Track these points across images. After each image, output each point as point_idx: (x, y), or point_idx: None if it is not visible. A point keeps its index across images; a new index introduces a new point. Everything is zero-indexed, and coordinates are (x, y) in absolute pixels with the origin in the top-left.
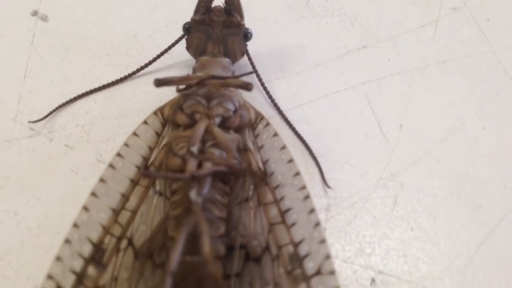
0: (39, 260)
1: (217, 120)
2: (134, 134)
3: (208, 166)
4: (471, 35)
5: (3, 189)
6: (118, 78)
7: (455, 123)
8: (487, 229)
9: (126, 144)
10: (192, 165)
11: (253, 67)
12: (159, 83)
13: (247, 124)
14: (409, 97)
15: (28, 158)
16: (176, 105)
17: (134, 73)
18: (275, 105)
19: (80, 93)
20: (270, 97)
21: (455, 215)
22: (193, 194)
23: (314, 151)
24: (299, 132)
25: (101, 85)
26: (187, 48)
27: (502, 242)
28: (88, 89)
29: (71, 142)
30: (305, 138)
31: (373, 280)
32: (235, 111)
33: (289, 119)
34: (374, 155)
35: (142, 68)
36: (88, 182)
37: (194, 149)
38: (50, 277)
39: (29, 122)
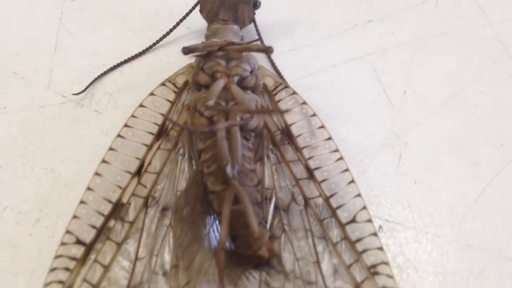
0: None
1: (236, 79)
2: (141, 105)
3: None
4: (469, 9)
5: (40, 149)
6: (141, 50)
7: (455, 89)
8: (484, 182)
9: (133, 116)
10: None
11: (259, 35)
12: (187, 50)
13: (262, 87)
14: (411, 66)
15: (61, 122)
16: (197, 67)
17: (155, 43)
18: (275, 68)
19: (108, 65)
20: (272, 64)
21: (454, 170)
22: (228, 169)
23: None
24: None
25: (127, 57)
26: (200, 11)
27: (498, 193)
28: (113, 61)
29: (100, 108)
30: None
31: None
32: (251, 72)
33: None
34: (380, 118)
35: (162, 37)
36: None
37: (211, 102)
38: (68, 232)
39: (73, 94)
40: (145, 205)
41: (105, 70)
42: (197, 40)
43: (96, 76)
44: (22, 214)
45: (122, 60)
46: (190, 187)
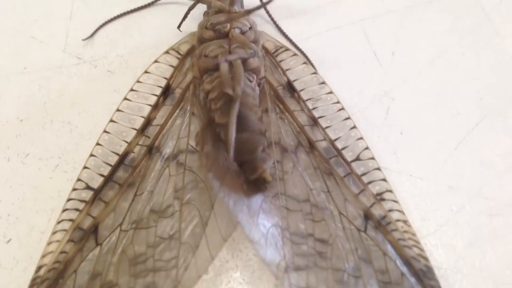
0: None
1: (237, 30)
2: (146, 72)
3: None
4: None
5: (58, 104)
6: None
7: (439, 50)
8: (464, 132)
9: (138, 81)
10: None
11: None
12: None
13: (264, 50)
14: (400, 30)
15: (77, 80)
16: (202, 25)
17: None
18: (281, 31)
19: (119, 31)
20: (276, 25)
21: (437, 121)
22: (230, 90)
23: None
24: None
25: (136, 24)
26: None
27: (476, 142)
28: (124, 27)
29: (113, 68)
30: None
31: None
32: (250, 28)
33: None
34: (370, 77)
35: None
36: None
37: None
38: (79, 180)
39: (82, 40)
40: (148, 152)
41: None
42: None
43: (105, 33)
44: (42, 160)
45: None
46: (202, 130)
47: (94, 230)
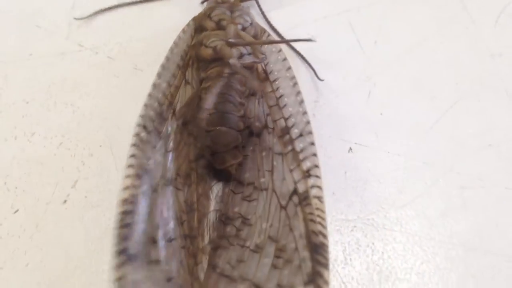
0: (92, 137)
1: (239, 27)
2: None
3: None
4: None
5: (61, 87)
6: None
7: (418, 39)
8: (440, 113)
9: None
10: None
11: None
12: None
13: (257, 35)
14: (382, 20)
15: (79, 66)
16: (204, 15)
17: None
18: (269, 23)
19: (117, 21)
20: (264, 16)
21: (415, 104)
22: (232, 60)
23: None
24: (293, 47)
25: (137, 15)
26: None
27: (451, 122)
28: (124, 17)
29: (113, 55)
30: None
31: (350, 149)
32: (251, 23)
33: (286, 36)
34: (353, 63)
35: None
36: (128, 84)
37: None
38: (141, 116)
39: (75, 18)
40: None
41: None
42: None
43: (105, 22)
44: (47, 139)
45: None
46: (190, 101)
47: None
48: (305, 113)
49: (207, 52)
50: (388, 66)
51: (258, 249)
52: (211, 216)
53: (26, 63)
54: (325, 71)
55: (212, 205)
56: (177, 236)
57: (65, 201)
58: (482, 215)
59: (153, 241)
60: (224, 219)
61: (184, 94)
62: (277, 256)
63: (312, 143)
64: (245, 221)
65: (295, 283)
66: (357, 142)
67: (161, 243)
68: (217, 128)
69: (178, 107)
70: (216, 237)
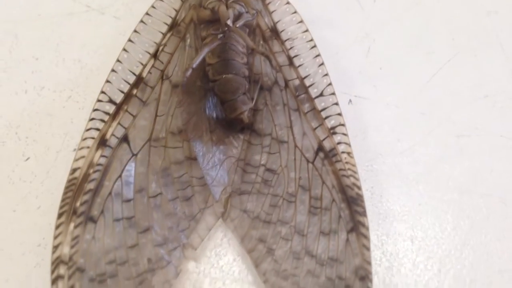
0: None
1: None
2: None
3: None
4: None
5: (69, 45)
6: None
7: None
8: (437, 67)
9: (153, 6)
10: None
11: None
12: None
13: None
14: None
15: (86, 25)
16: None
17: None
18: None
19: None
20: None
21: (413, 58)
22: (229, 21)
23: (306, 19)
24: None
25: None
26: None
27: (447, 76)
28: None
29: (119, 15)
30: (299, 11)
31: (350, 101)
32: None
33: None
34: (352, 21)
35: None
36: None
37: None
38: (103, 92)
39: None
40: (161, 77)
41: None
42: None
43: None
44: (56, 92)
45: None
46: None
47: (125, 139)
48: (326, 75)
49: (205, 13)
50: (387, 23)
51: (291, 197)
52: (227, 163)
53: (35, 23)
54: (325, 29)
55: (229, 152)
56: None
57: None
58: (477, 161)
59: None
60: (243, 166)
61: (184, 58)
62: (313, 205)
63: (336, 104)
64: (269, 170)
65: (337, 229)
66: (356, 94)
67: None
68: (223, 76)
69: (174, 71)
70: (239, 183)
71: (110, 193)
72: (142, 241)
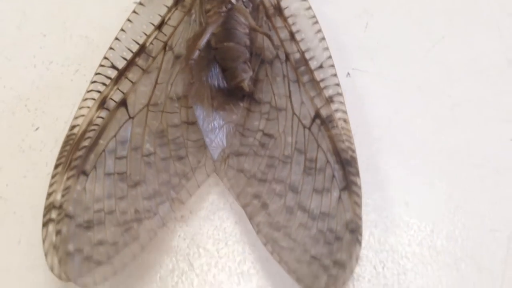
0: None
1: None
2: None
3: None
4: None
5: (76, 21)
6: None
7: None
8: (433, 42)
9: None
10: None
11: None
12: None
13: None
14: None
15: (93, 2)
16: None
17: None
18: None
19: None
20: None
21: (410, 34)
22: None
23: None
24: None
25: None
26: None
27: (443, 50)
28: None
29: None
30: None
31: (348, 74)
32: None
33: None
34: None
35: None
36: None
37: None
38: (105, 58)
39: None
40: (164, 48)
41: None
42: None
43: None
44: (64, 66)
45: None
46: (196, 37)
47: (124, 103)
48: (326, 49)
49: None
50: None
51: (287, 158)
52: (226, 128)
53: (41, 1)
54: (325, 4)
55: (229, 117)
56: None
57: None
58: (470, 132)
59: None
60: (242, 130)
61: (188, 32)
62: (308, 166)
63: (334, 75)
64: (267, 135)
65: (330, 187)
66: (354, 67)
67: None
68: (225, 44)
69: (178, 42)
70: (237, 146)
71: (103, 151)
72: (132, 193)
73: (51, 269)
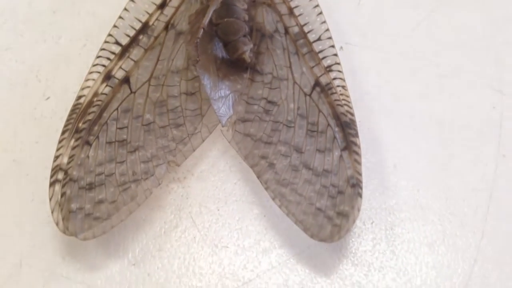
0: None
1: None
2: None
3: None
4: None
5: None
6: None
7: None
8: (421, 17)
9: None
10: None
11: None
12: None
13: None
14: None
15: None
16: None
17: None
18: None
19: None
20: None
21: (399, 9)
22: None
23: None
24: None
25: None
26: None
27: (431, 24)
28: None
29: None
30: None
31: (341, 48)
32: None
33: None
34: None
35: None
36: None
37: None
38: (110, 35)
39: None
40: (166, 27)
41: None
42: None
43: None
44: (72, 41)
45: None
46: (199, 15)
47: (126, 80)
48: (323, 22)
49: None
50: None
51: (290, 123)
52: (232, 97)
53: None
54: None
55: (234, 87)
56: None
57: None
58: (456, 98)
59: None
60: (246, 99)
61: (190, 10)
62: (310, 129)
63: (332, 46)
64: (270, 102)
65: (332, 148)
66: (347, 42)
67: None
68: (225, 19)
69: (180, 21)
70: (243, 113)
71: (106, 122)
72: (131, 158)
73: (57, 224)
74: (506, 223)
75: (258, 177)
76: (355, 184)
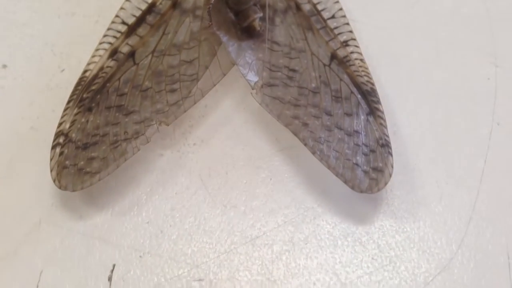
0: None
1: None
2: None
3: None
4: None
5: None
6: None
7: None
8: None
9: None
10: None
11: None
12: None
13: None
14: None
15: None
16: None
17: None
18: None
19: None
20: None
21: None
22: None
23: None
24: None
25: None
26: None
27: (429, 2)
28: None
29: None
30: None
31: None
32: None
33: None
34: None
35: None
36: None
37: None
38: (117, 16)
39: None
40: (173, 6)
41: None
42: None
43: None
44: (85, 17)
45: None
46: None
47: (132, 55)
48: (336, 2)
49: None
50: None
51: (316, 89)
52: (256, 64)
53: None
54: None
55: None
56: None
57: None
58: (452, 67)
59: None
60: (269, 66)
61: None
62: (335, 95)
63: (347, 23)
64: (293, 70)
65: (358, 111)
66: (350, 18)
67: None
68: None
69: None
70: (267, 78)
71: (107, 91)
72: (125, 120)
73: (53, 181)
74: (499, 185)
75: (295, 134)
76: (385, 145)
